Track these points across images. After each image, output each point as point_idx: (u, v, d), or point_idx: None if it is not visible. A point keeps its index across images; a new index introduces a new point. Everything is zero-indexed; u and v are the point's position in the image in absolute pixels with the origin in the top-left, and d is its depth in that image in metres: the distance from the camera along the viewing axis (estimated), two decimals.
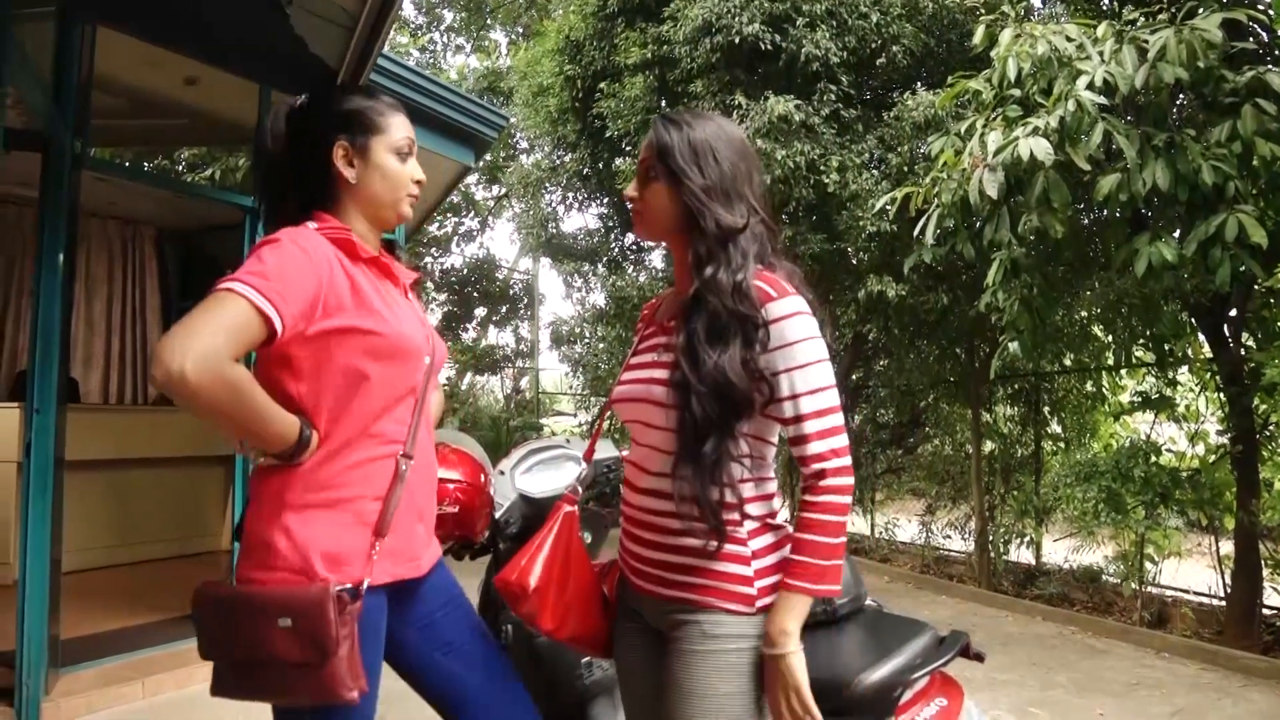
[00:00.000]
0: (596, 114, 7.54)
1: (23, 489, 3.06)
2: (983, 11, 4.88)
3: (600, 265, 9.91)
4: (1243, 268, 3.66)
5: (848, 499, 1.29)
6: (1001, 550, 6.35)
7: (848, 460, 1.29)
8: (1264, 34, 4.10)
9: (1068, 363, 6.63)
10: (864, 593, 1.84)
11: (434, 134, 5.42)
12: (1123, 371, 6.44)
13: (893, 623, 1.75)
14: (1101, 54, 3.76)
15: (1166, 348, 5.41)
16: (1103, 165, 3.96)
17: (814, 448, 1.28)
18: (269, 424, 1.27)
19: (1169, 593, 5.58)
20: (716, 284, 1.30)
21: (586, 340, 11.56)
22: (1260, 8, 3.94)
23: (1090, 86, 3.66)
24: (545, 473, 2.22)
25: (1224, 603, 5.02)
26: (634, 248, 10.05)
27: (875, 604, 1.88)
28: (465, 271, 15.00)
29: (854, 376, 8.39)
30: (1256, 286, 4.46)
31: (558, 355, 12.73)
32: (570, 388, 13.83)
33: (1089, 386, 6.87)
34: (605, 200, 9.52)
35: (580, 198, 9.85)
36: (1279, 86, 3.46)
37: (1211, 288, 3.97)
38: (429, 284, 14.23)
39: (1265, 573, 4.74)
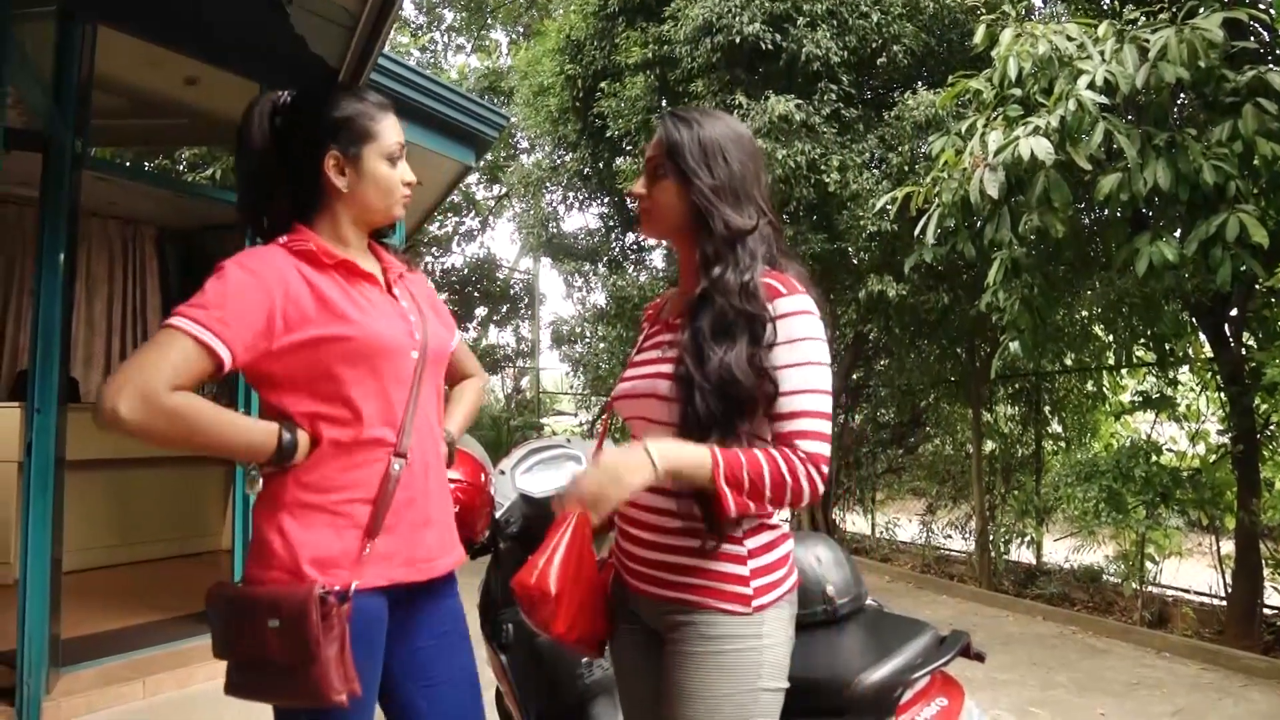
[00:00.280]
0: (597, 113, 7.54)
1: (23, 489, 3.06)
2: (983, 11, 4.89)
3: (601, 265, 9.92)
4: (1244, 267, 3.66)
5: (804, 497, 1.25)
6: (1002, 550, 6.35)
7: (823, 469, 1.26)
8: (1265, 33, 4.10)
9: (1068, 362, 6.63)
10: (864, 592, 1.84)
11: (434, 133, 5.42)
12: (1123, 371, 6.44)
13: (893, 622, 1.75)
14: (1102, 53, 3.76)
15: (1167, 347, 5.41)
16: (1103, 165, 3.95)
17: (807, 446, 1.26)
18: (234, 440, 1.30)
19: (1170, 592, 5.58)
20: (724, 284, 1.30)
21: (587, 340, 11.56)
22: (1261, 7, 3.94)
23: (1091, 86, 3.65)
24: (546, 472, 2.22)
25: (1225, 602, 5.02)
26: (635, 247, 10.05)
27: (876, 604, 1.88)
28: (466, 271, 15.00)
29: (854, 376, 8.39)
30: (1257, 286, 4.45)
31: (558, 355, 12.73)
32: (571, 387, 13.83)
33: (1090, 386, 6.87)
34: (606, 200, 9.52)
35: (581, 197, 9.85)
36: None
37: (1212, 287, 3.97)
38: (429, 284, 14.20)
39: (1266, 572, 4.73)
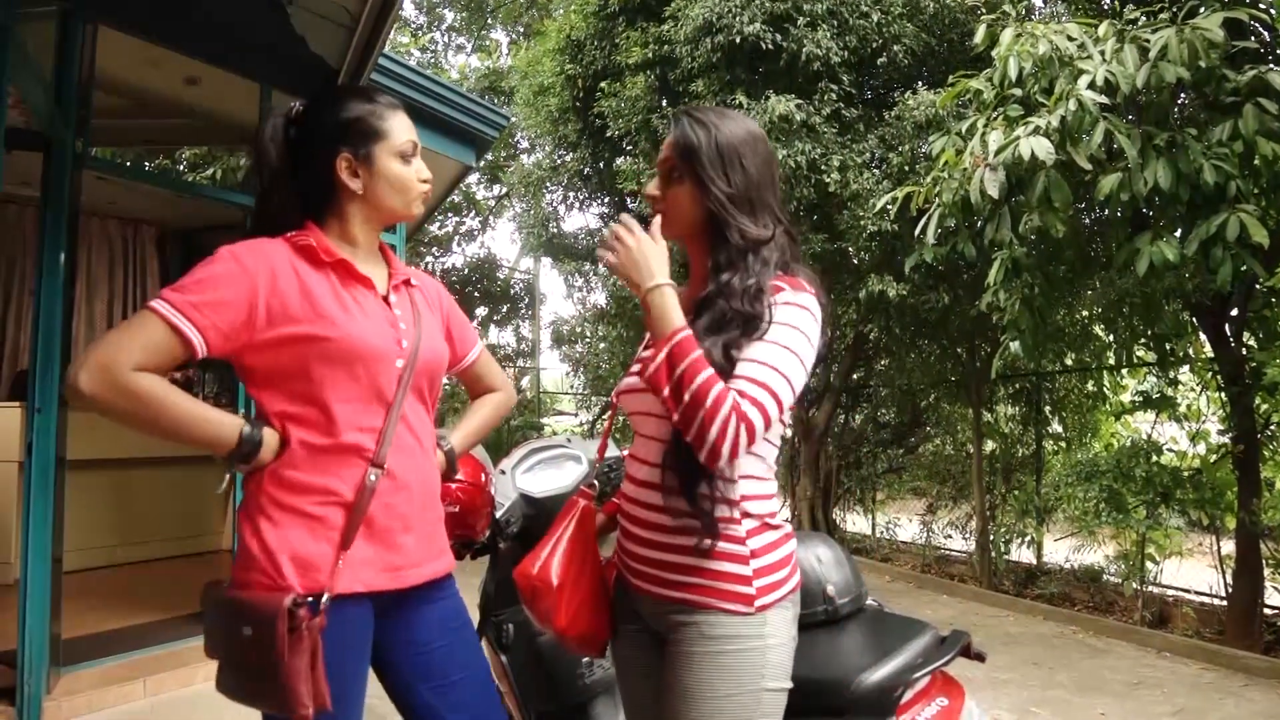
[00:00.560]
0: (597, 113, 7.54)
1: (24, 488, 3.06)
2: (984, 11, 4.89)
3: (601, 265, 9.90)
4: (1244, 267, 3.66)
5: (711, 424, 1.18)
6: (1003, 550, 6.35)
7: (742, 432, 1.18)
8: (1265, 33, 4.10)
9: (1069, 362, 6.64)
10: (865, 592, 1.84)
11: (435, 133, 5.42)
12: (1124, 371, 6.44)
13: (894, 622, 1.75)
14: (1103, 53, 3.76)
15: (1168, 347, 5.41)
16: (1104, 165, 3.95)
17: (741, 397, 1.21)
18: (194, 431, 1.29)
19: (1170, 592, 5.58)
20: (731, 289, 1.30)
21: (587, 340, 11.57)
22: (1262, 7, 3.94)
23: (1091, 86, 3.65)
24: (546, 472, 2.22)
25: (1225, 602, 5.02)
26: None
27: (876, 604, 1.88)
28: (466, 271, 15.00)
29: (855, 376, 8.40)
30: (1258, 286, 4.45)
31: (558, 355, 12.76)
32: (571, 387, 13.85)
33: (1090, 386, 6.87)
34: (606, 200, 9.51)
35: (581, 197, 9.85)
36: None
37: (1213, 287, 3.97)
38: None
39: (1266, 572, 4.73)
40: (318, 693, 1.24)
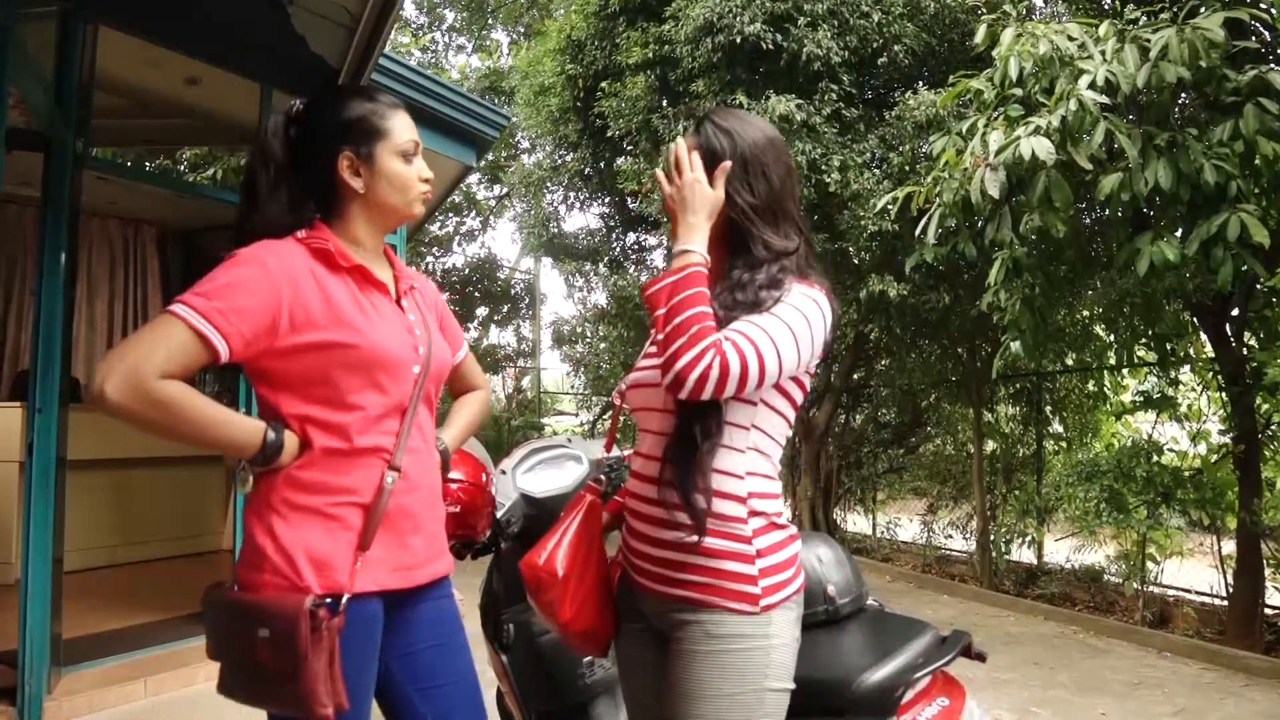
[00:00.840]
0: (598, 113, 7.54)
1: (25, 488, 3.06)
2: (984, 11, 4.89)
3: (601, 265, 9.92)
4: (1245, 267, 3.66)
5: (686, 351, 1.20)
6: (1003, 550, 6.35)
7: (716, 370, 1.19)
8: (1266, 33, 4.10)
9: (1069, 362, 6.64)
10: (865, 592, 1.84)
11: (435, 133, 5.42)
12: (1124, 371, 6.44)
13: (894, 622, 1.76)
14: (1103, 53, 3.76)
15: (1168, 347, 5.41)
16: (1105, 165, 3.95)
17: (725, 341, 1.22)
18: (219, 434, 1.28)
19: (1171, 592, 5.58)
20: (745, 292, 1.31)
21: (588, 340, 11.57)
22: (1262, 7, 3.94)
23: (1092, 86, 3.65)
24: (547, 472, 2.22)
25: (1226, 602, 5.02)
26: (635, 247, 10.06)
27: (877, 604, 1.88)
28: (467, 271, 15.01)
29: (855, 376, 8.39)
30: (1259, 286, 4.45)
31: (559, 355, 12.76)
32: (571, 387, 13.85)
33: (1091, 386, 6.87)
34: (607, 200, 9.52)
35: (582, 197, 9.86)
36: None
37: (1213, 287, 3.97)
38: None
39: (1267, 573, 4.73)
40: (336, 692, 1.25)
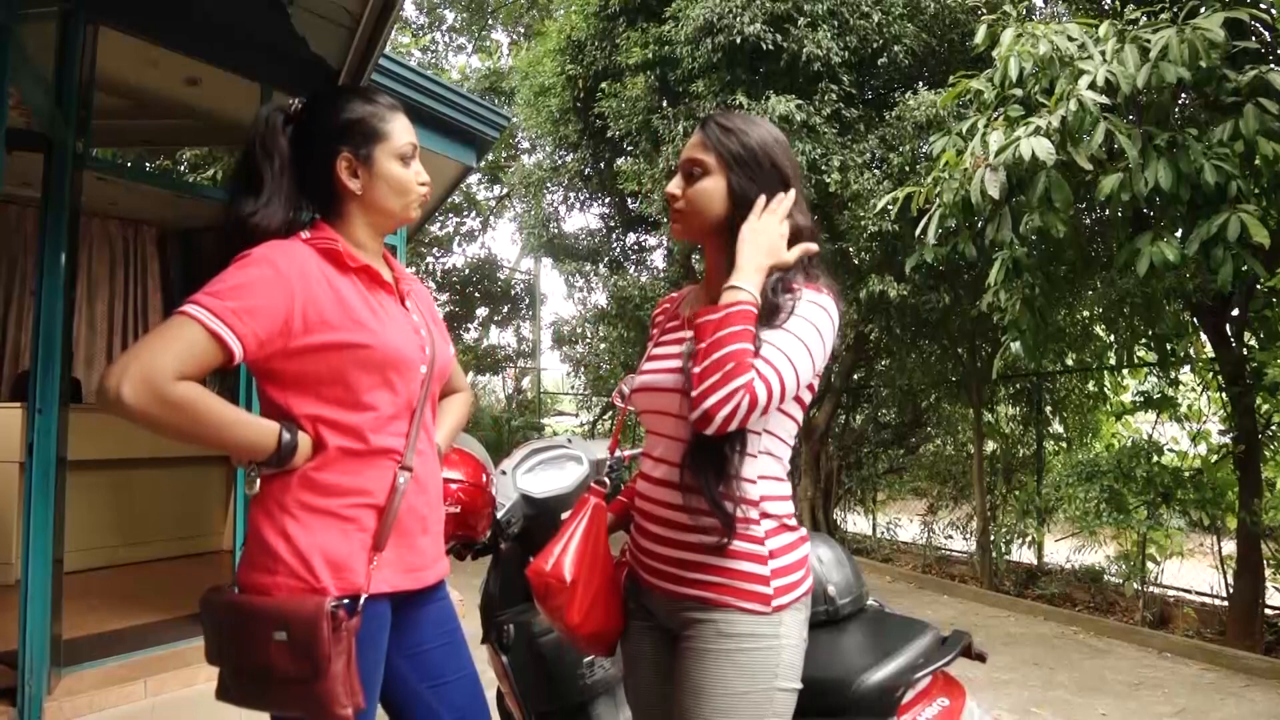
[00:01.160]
0: (598, 114, 7.54)
1: (25, 489, 3.05)
2: (984, 11, 4.90)
3: (602, 265, 9.93)
4: (1245, 267, 3.66)
5: (725, 384, 1.19)
6: (1003, 550, 6.35)
7: (745, 404, 1.19)
8: (1266, 33, 4.10)
9: (1070, 362, 6.64)
10: (866, 593, 1.84)
11: (435, 134, 5.41)
12: (1125, 371, 6.44)
13: (895, 623, 1.76)
14: (1103, 53, 3.76)
15: (1168, 347, 5.41)
16: (1105, 165, 3.95)
17: (757, 370, 1.23)
18: (234, 436, 1.27)
19: (1171, 593, 5.58)
20: (761, 299, 1.31)
21: (588, 340, 11.57)
22: (1262, 7, 3.94)
23: (1092, 86, 3.65)
24: (547, 473, 2.22)
25: (1226, 603, 5.02)
26: (635, 247, 10.06)
27: (877, 604, 1.88)
28: (467, 271, 15.02)
29: (855, 376, 8.39)
30: (1259, 286, 4.45)
31: (559, 355, 12.76)
32: (572, 388, 13.85)
33: (1091, 386, 6.87)
34: (607, 200, 9.53)
35: (582, 198, 9.86)
36: None
37: (1214, 287, 3.97)
38: (431, 284, 14.24)
39: (1267, 573, 4.74)
40: (354, 692, 1.25)
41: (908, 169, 5.88)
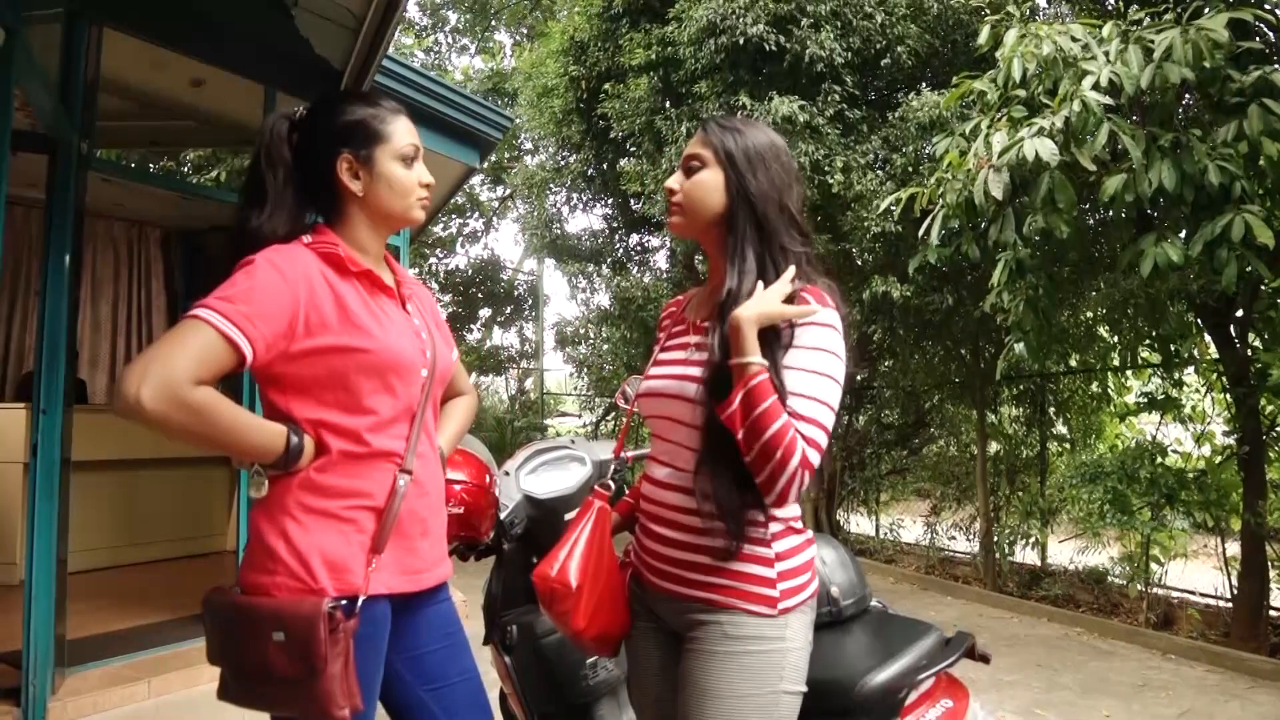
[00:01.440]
0: (601, 115, 7.54)
1: (29, 490, 3.07)
2: (988, 12, 4.89)
3: (605, 266, 9.93)
4: (1249, 268, 3.65)
5: (783, 470, 1.22)
6: (1007, 551, 6.34)
7: (806, 475, 1.24)
8: (1270, 33, 4.09)
9: (1073, 363, 6.62)
10: (869, 594, 1.84)
11: (438, 135, 5.42)
12: (1128, 372, 6.42)
13: (898, 624, 1.76)
14: (1107, 54, 3.75)
15: (1172, 348, 5.40)
16: (1108, 166, 3.95)
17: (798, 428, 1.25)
18: (245, 440, 1.28)
19: (1175, 594, 5.56)
20: (749, 288, 1.32)
21: (591, 341, 11.57)
22: (1267, 7, 3.93)
23: (1096, 87, 3.65)
24: (550, 473, 2.22)
25: (1230, 604, 5.00)
26: (639, 248, 10.05)
27: (880, 605, 1.88)
28: (470, 272, 15.03)
29: (859, 377, 8.38)
30: (1263, 287, 4.45)
31: (562, 356, 12.76)
32: (575, 389, 13.84)
33: (1094, 387, 6.86)
34: (610, 201, 9.52)
35: (585, 198, 9.85)
36: None
37: (1218, 288, 3.96)
38: (434, 285, 14.25)
39: (1272, 574, 4.72)
40: (351, 693, 1.25)
41: (911, 170, 5.87)
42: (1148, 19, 3.90)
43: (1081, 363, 6.62)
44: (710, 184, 1.39)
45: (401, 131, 1.46)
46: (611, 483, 1.60)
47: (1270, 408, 4.86)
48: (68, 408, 3.15)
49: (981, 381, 6.65)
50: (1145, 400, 5.86)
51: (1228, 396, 5.07)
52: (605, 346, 10.50)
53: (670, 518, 1.39)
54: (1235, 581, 4.92)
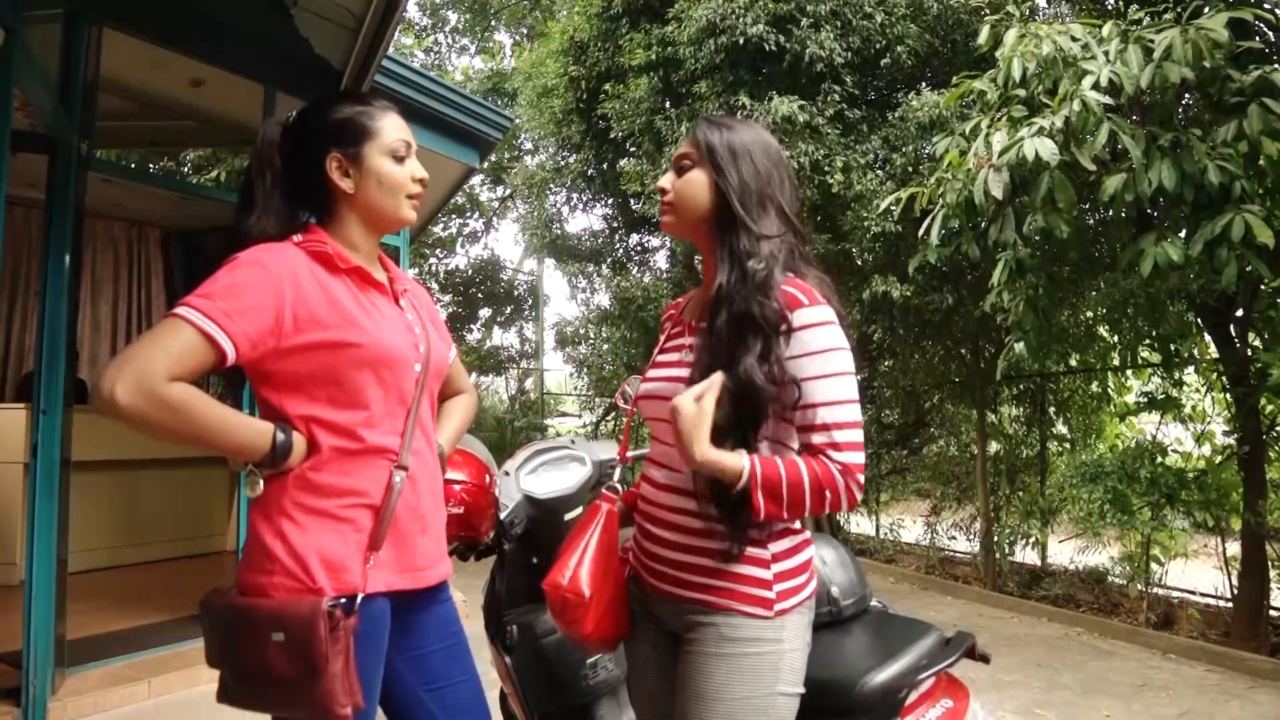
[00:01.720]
0: (601, 115, 7.54)
1: (29, 490, 3.06)
2: (987, 11, 4.89)
3: (605, 266, 9.93)
4: (1249, 268, 3.65)
5: (842, 504, 1.26)
6: (1007, 551, 6.34)
7: (860, 478, 1.26)
8: (1270, 33, 4.09)
9: (1073, 363, 6.62)
10: (869, 594, 1.84)
11: (438, 135, 5.42)
12: (1128, 372, 6.42)
13: (898, 624, 1.75)
14: (1107, 54, 3.75)
15: (1172, 348, 5.40)
16: (1108, 165, 3.95)
17: (841, 458, 1.25)
18: (230, 436, 1.28)
19: (1175, 594, 5.56)
20: (739, 285, 1.31)
21: (591, 341, 11.57)
22: (1266, 6, 3.93)
23: (1096, 86, 3.65)
24: (550, 473, 2.22)
25: (1231, 604, 5.00)
26: (639, 248, 10.05)
27: (880, 605, 1.88)
28: (470, 272, 15.02)
29: (859, 377, 8.35)
30: (1263, 286, 4.44)
31: (562, 356, 12.76)
32: (575, 389, 13.84)
33: (1094, 387, 6.85)
34: (610, 201, 9.52)
35: (585, 199, 9.86)
36: None
37: (1218, 288, 3.96)
38: (434, 285, 14.25)
39: (1272, 574, 4.72)
40: (352, 691, 1.25)
41: (911, 169, 5.87)
42: (1147, 19, 3.89)
43: (1081, 362, 6.62)
44: (697, 183, 1.40)
45: (391, 128, 1.46)
46: (619, 485, 1.60)
47: (1270, 407, 4.86)
48: (68, 408, 3.15)
49: (981, 381, 6.65)
50: (1145, 400, 5.86)
51: (1228, 396, 5.07)
52: (605, 346, 10.49)
53: (667, 519, 1.39)
54: (1235, 581, 4.92)
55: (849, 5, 6.19)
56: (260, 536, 1.32)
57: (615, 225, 9.93)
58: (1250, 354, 4.83)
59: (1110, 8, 5.00)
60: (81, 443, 3.38)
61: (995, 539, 6.33)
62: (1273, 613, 4.78)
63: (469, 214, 15.27)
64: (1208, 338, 5.35)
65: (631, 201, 8.75)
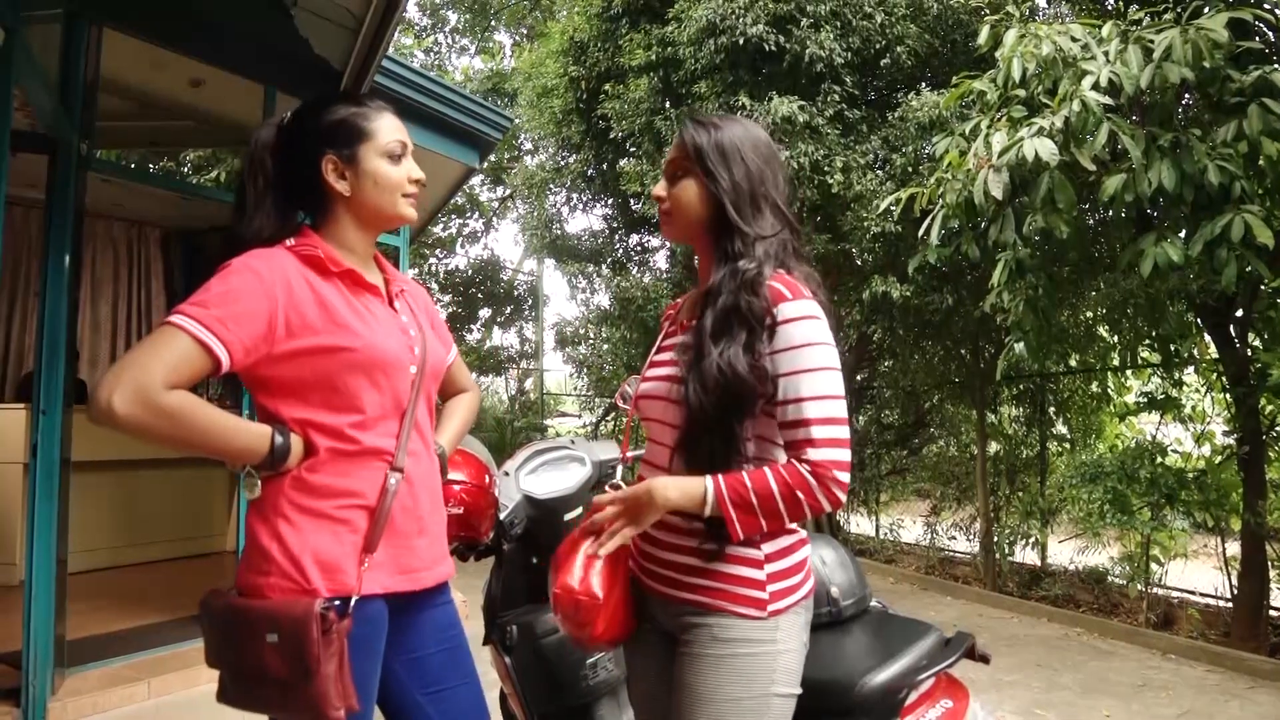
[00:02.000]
0: (601, 115, 7.54)
1: (29, 490, 3.06)
2: (987, 12, 4.89)
3: (605, 266, 9.93)
4: (1249, 268, 3.65)
5: (823, 506, 1.26)
6: (1007, 551, 6.34)
7: (844, 477, 1.25)
8: (1270, 33, 4.09)
9: (1073, 363, 6.62)
10: (869, 594, 1.84)
11: (438, 135, 5.42)
12: (1128, 372, 6.43)
13: (898, 624, 1.75)
14: (1107, 54, 3.75)
15: (1172, 348, 5.40)
16: (1108, 165, 3.95)
17: (816, 455, 1.25)
18: (228, 441, 1.28)
19: (1175, 594, 5.57)
20: (729, 281, 1.32)
21: (591, 341, 11.57)
22: (1266, 7, 3.93)
23: (1095, 86, 3.65)
24: (550, 473, 2.22)
25: (1230, 604, 5.00)
26: (638, 249, 10.06)
27: (880, 605, 1.88)
28: (470, 273, 15.03)
29: (859, 377, 8.38)
30: (1263, 287, 4.45)
31: (562, 356, 12.75)
32: (575, 389, 13.84)
33: (1094, 387, 6.86)
34: (610, 201, 9.52)
35: (585, 199, 9.86)
36: None
37: (1217, 288, 3.96)
38: (434, 285, 14.25)
39: (1272, 574, 4.72)
40: (346, 694, 1.25)
41: (911, 170, 5.87)
42: (1147, 19, 3.90)
43: (1081, 363, 6.63)
44: (691, 188, 1.40)
45: (386, 128, 1.45)
46: (621, 484, 1.60)
47: (1270, 408, 4.86)
48: (68, 408, 3.14)
49: (981, 381, 6.65)
50: (1145, 400, 5.86)
51: (1228, 396, 5.07)
52: (605, 347, 10.49)
53: (670, 521, 1.38)
54: (1235, 581, 4.93)
55: (849, 5, 6.19)
56: (257, 537, 1.33)
57: (615, 225, 9.93)
58: (1250, 354, 4.83)
59: (1110, 8, 4.99)
60: (81, 443, 3.37)
61: (995, 539, 6.33)
62: (1272, 613, 4.78)
63: (469, 214, 15.28)
64: (1207, 338, 5.35)
65: (631, 202, 8.75)
